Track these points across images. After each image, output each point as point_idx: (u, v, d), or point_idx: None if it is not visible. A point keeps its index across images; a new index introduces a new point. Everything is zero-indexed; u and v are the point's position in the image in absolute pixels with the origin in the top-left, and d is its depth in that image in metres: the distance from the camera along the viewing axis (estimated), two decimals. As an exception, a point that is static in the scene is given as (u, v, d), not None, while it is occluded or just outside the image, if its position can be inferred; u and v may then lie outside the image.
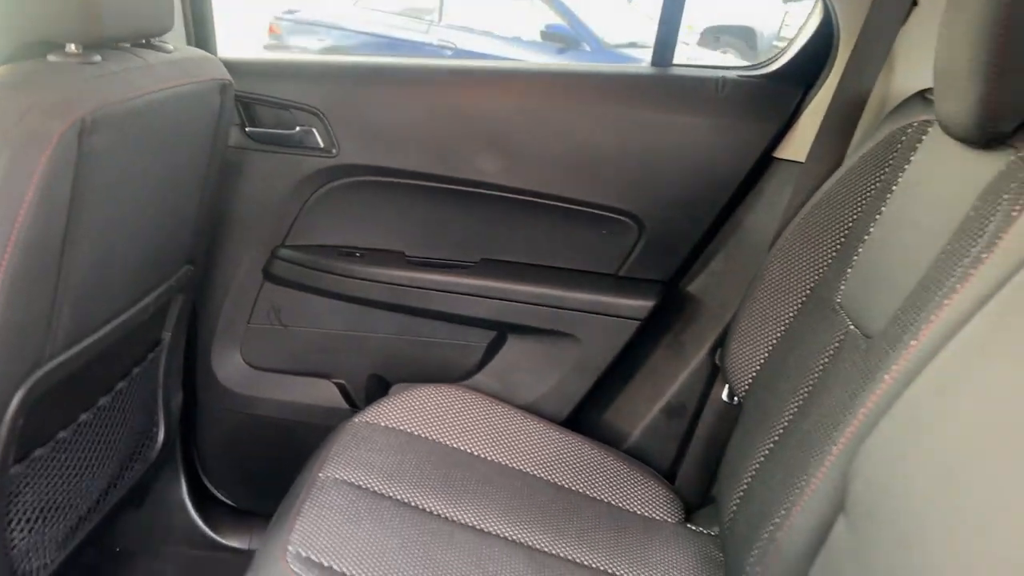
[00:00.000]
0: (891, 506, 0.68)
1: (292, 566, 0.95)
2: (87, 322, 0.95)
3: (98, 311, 0.98)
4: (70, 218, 0.83)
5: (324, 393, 1.52)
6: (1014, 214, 0.73)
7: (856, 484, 0.75)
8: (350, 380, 1.53)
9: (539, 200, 1.39)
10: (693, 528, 1.23)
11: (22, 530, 1.00)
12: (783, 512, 0.88)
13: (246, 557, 1.20)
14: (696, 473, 1.39)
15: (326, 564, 0.96)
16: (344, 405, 1.51)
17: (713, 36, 7.59)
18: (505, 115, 1.35)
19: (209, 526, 1.55)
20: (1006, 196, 0.75)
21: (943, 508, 0.61)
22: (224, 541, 1.55)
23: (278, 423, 1.52)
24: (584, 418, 1.49)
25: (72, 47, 0.88)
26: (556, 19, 5.90)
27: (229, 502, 1.60)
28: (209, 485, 1.59)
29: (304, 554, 0.97)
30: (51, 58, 0.87)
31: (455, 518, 1.11)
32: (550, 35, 5.90)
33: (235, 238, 1.43)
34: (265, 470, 1.55)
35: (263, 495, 1.44)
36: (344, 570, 0.96)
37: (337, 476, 1.12)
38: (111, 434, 1.17)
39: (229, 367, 1.51)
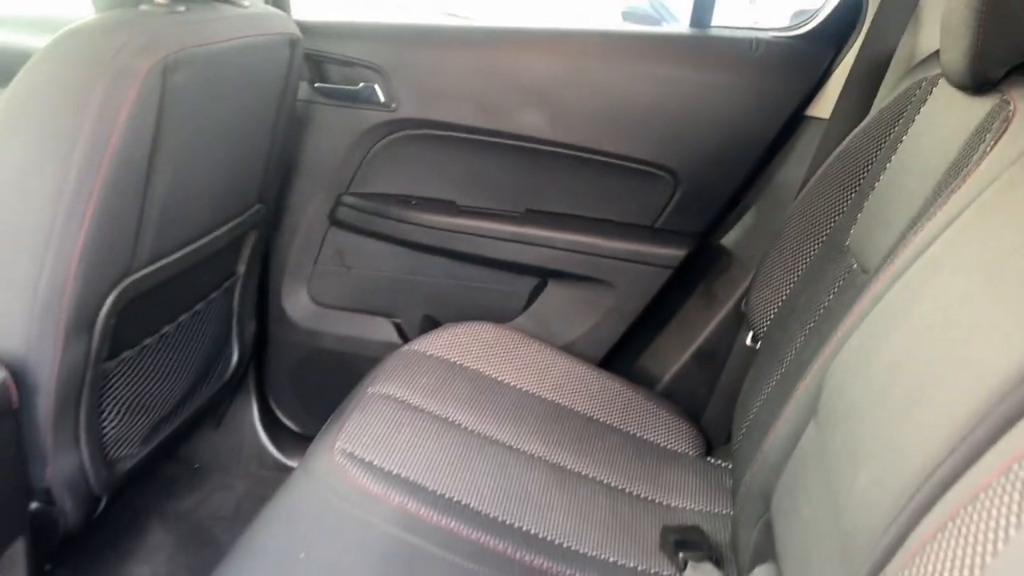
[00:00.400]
0: (846, 405, 0.76)
1: (338, 458, 1.08)
2: (168, 241, 1.11)
3: (177, 233, 1.13)
4: (154, 145, 0.98)
5: (382, 330, 1.66)
6: (988, 149, 0.80)
7: (825, 391, 0.83)
8: (405, 319, 1.67)
9: (580, 154, 1.49)
10: (711, 461, 1.32)
11: (112, 420, 1.17)
12: (772, 425, 0.96)
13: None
14: (720, 414, 1.47)
15: (367, 459, 1.09)
16: (399, 341, 1.65)
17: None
18: (550, 74, 1.45)
19: (276, 448, 1.72)
20: (988, 135, 0.82)
21: (882, 402, 0.69)
22: (288, 462, 1.71)
23: (339, 356, 1.67)
24: (617, 361, 1.58)
25: (161, -1, 1.03)
26: (637, 1, 5.93)
27: (294, 427, 1.76)
28: (277, 411, 1.76)
29: (349, 449, 1.10)
30: (142, 7, 1.02)
31: (487, 434, 1.22)
32: (631, 15, 5.93)
33: (303, 185, 1.57)
34: (326, 398, 1.69)
35: (323, 421, 1.59)
36: (383, 466, 1.09)
37: (383, 392, 1.25)
38: (189, 348, 1.33)
39: (297, 304, 1.66)
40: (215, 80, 1.07)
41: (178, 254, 1.14)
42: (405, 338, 1.66)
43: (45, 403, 1.01)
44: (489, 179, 1.55)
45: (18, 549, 1.04)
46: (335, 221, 1.60)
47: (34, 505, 1.07)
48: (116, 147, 0.92)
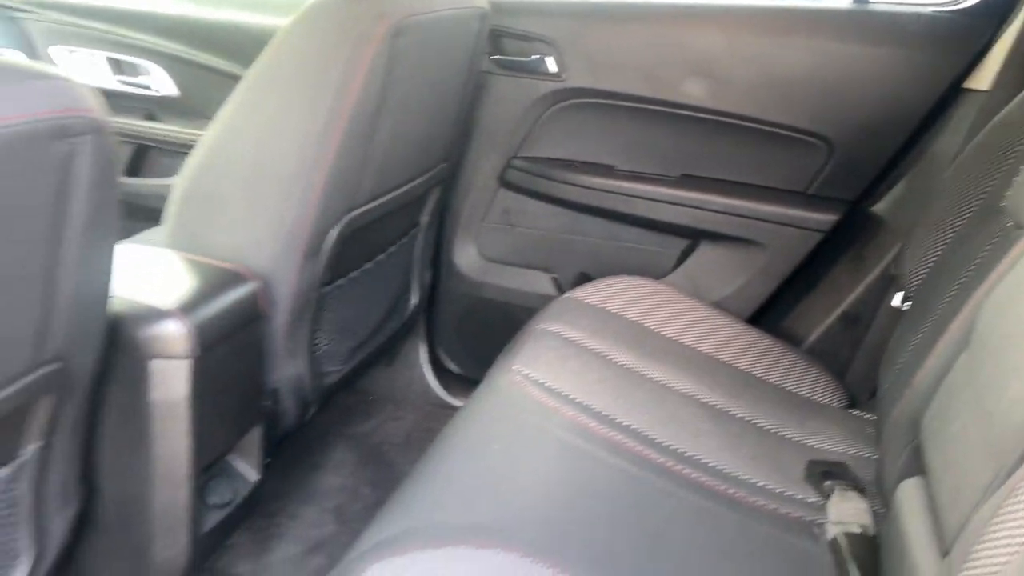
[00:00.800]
0: (999, 333, 0.85)
1: (516, 377, 1.24)
2: (382, 184, 1.29)
3: (388, 178, 1.31)
4: (381, 98, 1.16)
5: (540, 284, 1.81)
6: None
7: (978, 325, 0.91)
8: (561, 274, 1.81)
9: (738, 122, 1.58)
10: (854, 412, 1.39)
11: (324, 338, 1.37)
12: (920, 365, 1.04)
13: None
14: (863, 374, 1.54)
15: (541, 380, 1.24)
16: (556, 294, 1.79)
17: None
18: (714, 46, 1.56)
19: (440, 387, 1.91)
20: None
21: None
22: (451, 400, 1.90)
23: (500, 306, 1.84)
24: (764, 320, 1.67)
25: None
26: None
27: (456, 369, 1.95)
28: (441, 354, 1.95)
29: (525, 372, 1.25)
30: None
31: (644, 372, 1.34)
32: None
33: (478, 149, 1.74)
34: (487, 344, 1.86)
35: (484, 365, 1.76)
36: (555, 387, 1.23)
37: (550, 330, 1.40)
38: (381, 286, 1.53)
39: (465, 257, 1.84)
40: (426, 46, 1.24)
41: (386, 196, 1.33)
42: (561, 292, 1.81)
43: (282, 316, 1.22)
44: (648, 145, 1.67)
45: (254, 436, 1.25)
46: (504, 182, 1.76)
47: (265, 402, 1.28)
48: (355, 98, 1.10)
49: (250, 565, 1.42)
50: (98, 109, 0.77)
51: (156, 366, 1.02)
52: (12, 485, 0.94)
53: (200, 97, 1.80)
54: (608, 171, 1.71)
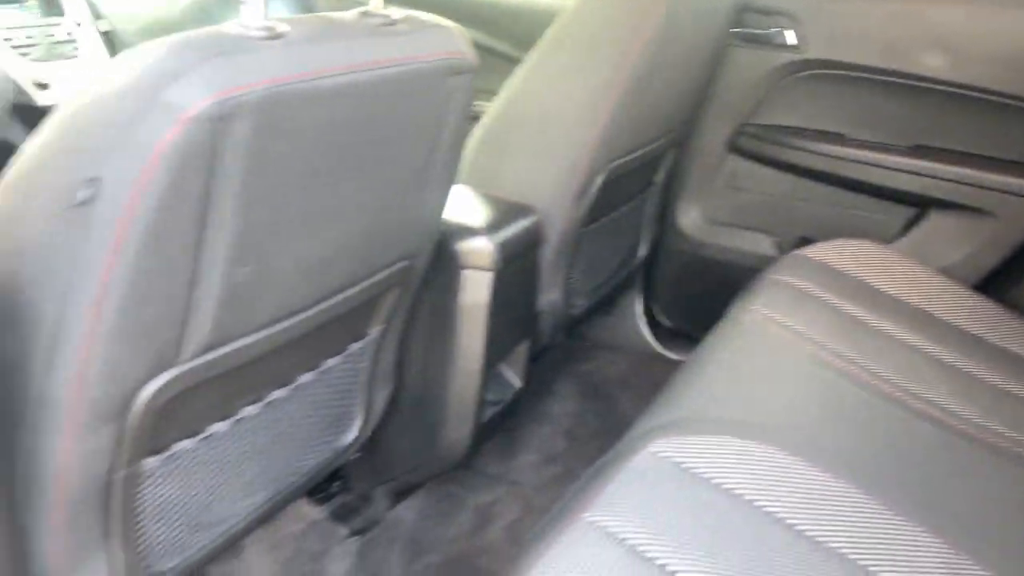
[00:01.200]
0: None
1: (756, 316, 1.36)
2: (635, 140, 1.46)
3: (641, 136, 1.48)
4: (652, 67, 1.33)
5: (762, 246, 1.93)
6: None
7: None
8: (782, 237, 1.92)
9: (975, 94, 1.63)
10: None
11: (575, 274, 1.56)
12: None
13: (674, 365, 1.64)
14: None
15: (779, 320, 1.36)
16: (776, 255, 1.90)
17: None
18: (954, 19, 1.61)
19: (653, 337, 2.06)
20: None
21: None
22: (661, 351, 2.05)
23: (720, 265, 1.97)
24: (992, 289, 1.71)
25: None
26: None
27: (668, 323, 2.10)
28: (655, 307, 2.10)
29: (764, 311, 1.38)
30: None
31: (873, 324, 1.43)
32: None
33: (711, 115, 1.87)
34: (703, 301, 2.00)
35: (696, 321, 1.90)
36: (793, 326, 1.35)
37: (782, 279, 1.51)
38: (620, 235, 1.71)
39: (688, 216, 1.98)
40: (691, 20, 1.40)
41: (638, 152, 1.50)
42: (782, 253, 1.91)
43: (551, 247, 1.42)
44: (882, 116, 1.75)
45: (522, 349, 1.47)
46: (733, 147, 1.89)
47: (533, 320, 1.49)
48: (632, 64, 1.28)
49: (498, 467, 1.64)
50: (471, 56, 0.98)
51: (467, 275, 1.24)
52: (359, 359, 1.19)
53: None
54: (838, 139, 1.79)
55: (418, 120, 0.95)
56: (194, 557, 1.02)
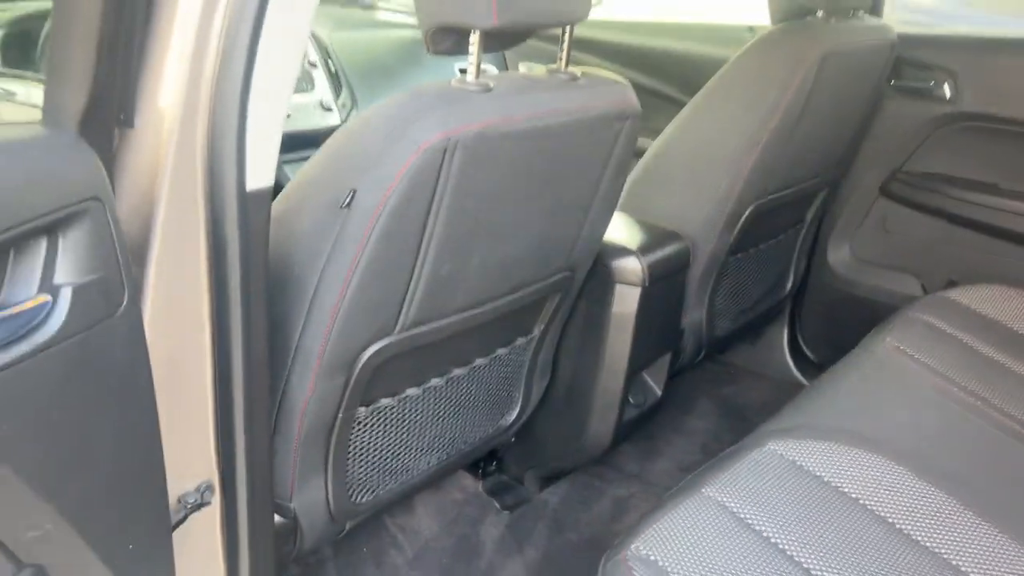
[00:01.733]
0: None
1: (888, 347, 1.47)
2: (786, 180, 1.61)
3: (791, 176, 1.63)
4: (802, 112, 1.48)
5: (909, 286, 2.00)
6: None
7: None
8: (929, 280, 1.98)
9: None
10: None
11: (720, 298, 1.72)
12: None
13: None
14: None
15: (910, 353, 1.46)
16: (922, 295, 1.97)
17: None
18: None
19: (796, 368, 2.17)
20: None
21: None
22: (804, 381, 2.15)
23: (867, 303, 2.05)
24: None
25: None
26: None
27: (812, 356, 2.19)
28: (800, 339, 2.21)
29: (896, 344, 1.48)
30: (808, 18, 1.53)
31: (1007, 365, 1.49)
32: None
33: (865, 160, 1.98)
34: (848, 336, 2.08)
35: (840, 354, 1.99)
36: (923, 360, 1.44)
37: (920, 317, 1.60)
38: (766, 267, 1.85)
39: (838, 255, 2.08)
40: (845, 71, 1.54)
41: (787, 191, 1.65)
42: (927, 294, 1.97)
43: (697, 271, 1.60)
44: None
45: (664, 360, 1.64)
46: (885, 192, 1.98)
47: (677, 337, 1.66)
48: (784, 108, 1.45)
49: (636, 467, 1.82)
50: (636, 104, 1.18)
51: (619, 289, 1.44)
52: (523, 352, 1.42)
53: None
54: (990, 188, 1.85)
55: (589, 156, 1.17)
56: (382, 498, 1.28)
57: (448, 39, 0.99)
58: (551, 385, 1.53)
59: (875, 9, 1.87)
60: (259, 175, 0.80)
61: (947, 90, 1.84)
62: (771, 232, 1.80)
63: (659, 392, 1.65)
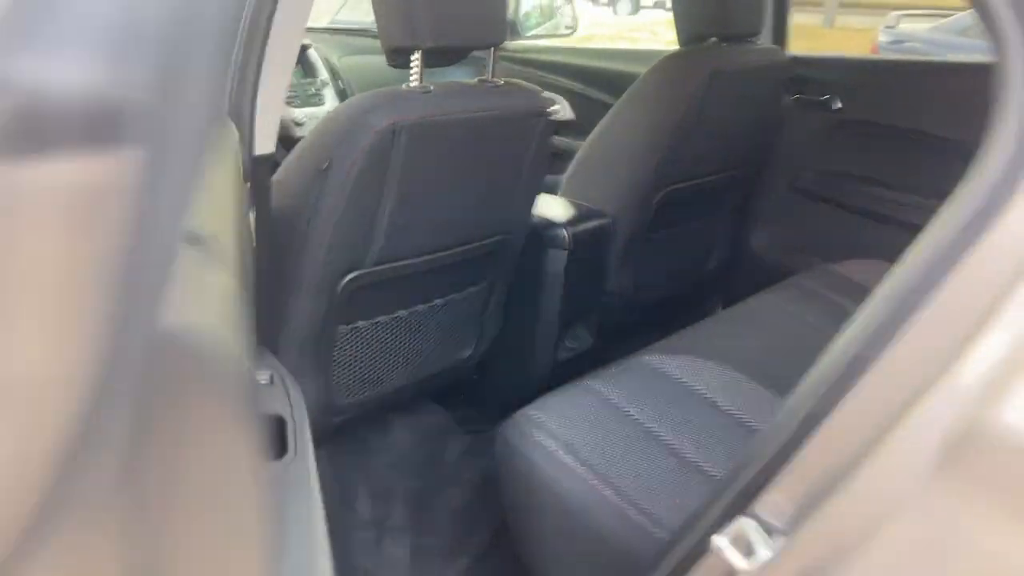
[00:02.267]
0: None
1: (766, 303, 1.87)
2: (694, 171, 2.03)
3: (700, 168, 2.05)
4: (697, 118, 1.90)
5: (812, 265, 2.39)
6: None
7: None
8: (827, 259, 2.37)
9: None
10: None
11: (644, 268, 2.13)
12: None
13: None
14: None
15: (785, 308, 1.86)
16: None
17: None
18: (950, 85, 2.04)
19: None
20: None
21: None
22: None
23: (779, 278, 2.44)
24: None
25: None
26: None
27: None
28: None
29: (774, 300, 1.88)
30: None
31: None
32: None
33: (778, 161, 2.38)
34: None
35: None
36: (793, 311, 1.84)
37: (770, 298, 1.99)
38: (686, 247, 2.26)
39: (759, 239, 2.48)
40: (735, 86, 1.96)
41: (697, 180, 2.06)
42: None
43: (619, 243, 2.00)
44: (910, 166, 2.19)
45: (593, 316, 2.05)
46: (794, 187, 2.38)
47: (604, 298, 2.07)
48: (680, 113, 1.86)
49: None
50: (547, 107, 1.61)
51: (551, 252, 1.86)
52: (475, 299, 1.84)
53: (587, 119, 2.70)
54: (875, 182, 2.24)
55: (512, 146, 1.60)
56: (362, 401, 1.71)
57: (401, 56, 1.42)
58: (503, 333, 1.95)
59: (777, 39, 2.30)
60: (263, 143, 1.23)
61: (839, 103, 2.25)
62: (687, 216, 2.20)
63: (591, 340, 2.06)
